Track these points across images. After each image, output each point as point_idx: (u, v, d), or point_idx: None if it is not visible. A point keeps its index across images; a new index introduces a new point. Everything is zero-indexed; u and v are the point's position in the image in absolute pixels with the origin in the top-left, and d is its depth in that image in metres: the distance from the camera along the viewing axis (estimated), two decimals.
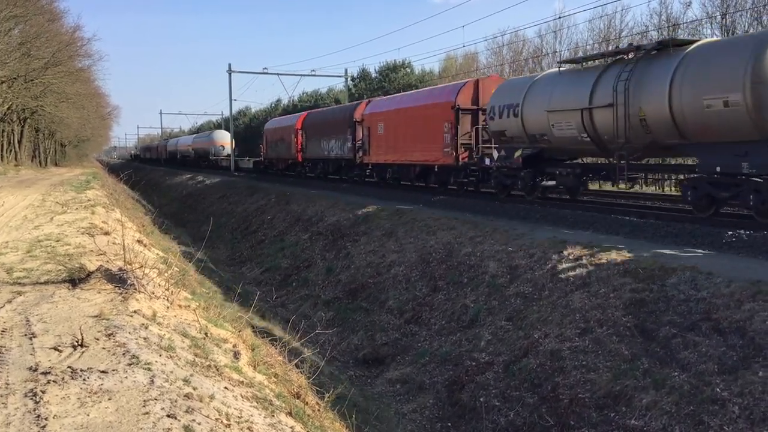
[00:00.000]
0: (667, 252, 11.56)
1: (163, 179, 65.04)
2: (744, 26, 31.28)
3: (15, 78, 40.69)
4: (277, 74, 55.16)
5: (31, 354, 5.41)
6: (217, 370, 6.06)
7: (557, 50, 43.78)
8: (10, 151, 53.24)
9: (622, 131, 14.95)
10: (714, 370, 7.97)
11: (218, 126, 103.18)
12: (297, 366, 8.81)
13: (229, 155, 61.71)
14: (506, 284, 12.57)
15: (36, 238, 12.03)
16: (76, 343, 5.58)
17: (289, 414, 5.99)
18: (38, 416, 4.16)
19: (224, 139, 66.33)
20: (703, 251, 11.72)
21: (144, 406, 4.41)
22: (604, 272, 10.91)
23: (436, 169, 24.05)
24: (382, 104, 29.59)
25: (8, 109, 46.12)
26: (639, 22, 60.88)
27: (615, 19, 42.61)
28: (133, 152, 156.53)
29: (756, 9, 30.81)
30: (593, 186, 22.49)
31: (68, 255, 10.25)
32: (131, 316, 6.80)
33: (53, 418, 4.15)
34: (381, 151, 28.04)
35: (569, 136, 16.96)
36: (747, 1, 31.32)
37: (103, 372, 4.99)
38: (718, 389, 7.67)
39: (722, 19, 31.89)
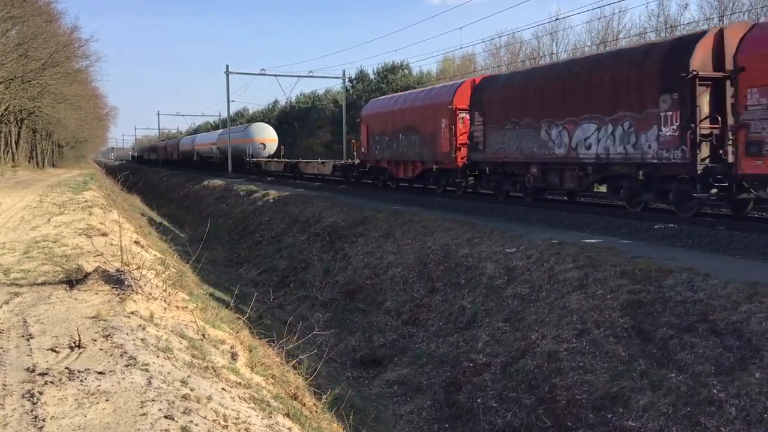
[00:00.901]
0: (664, 253, 11.58)
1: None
2: None
3: (12, 79, 40.65)
4: (275, 75, 54.99)
5: (29, 355, 5.41)
6: (215, 371, 6.06)
7: (554, 52, 43.86)
8: (7, 152, 53.18)
9: None
10: (711, 372, 7.98)
11: (215, 127, 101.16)
12: (294, 367, 8.82)
13: (272, 156, 49.41)
14: (503, 285, 12.59)
15: (33, 239, 12.02)
16: (73, 344, 5.58)
17: (287, 415, 5.99)
18: (36, 417, 4.15)
19: (266, 135, 51.29)
20: (700, 252, 11.75)
21: (141, 407, 4.41)
22: (601, 273, 10.93)
23: None
24: None
25: (5, 110, 46.05)
26: (637, 24, 61.07)
27: (613, 21, 42.69)
28: (132, 153, 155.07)
29: (753, 11, 30.90)
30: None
31: (65, 256, 10.25)
32: (128, 317, 6.79)
33: (51, 419, 4.14)
34: None
35: None
36: (744, 3, 31.42)
37: (100, 373, 4.99)
38: (714, 390, 7.68)
39: (719, 21, 31.97)
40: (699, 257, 11.20)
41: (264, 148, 49.90)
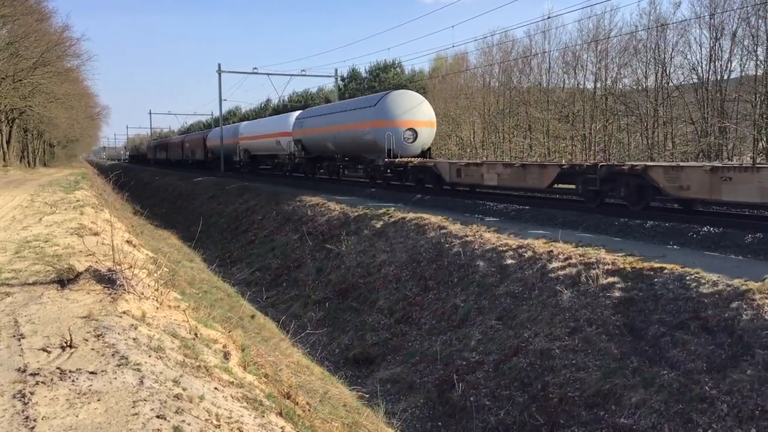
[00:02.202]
0: (656, 251, 11.61)
1: None
2: (732, 26, 31.48)
3: (3, 78, 40.47)
4: (267, 74, 54.91)
5: (20, 355, 5.39)
6: (207, 370, 6.04)
7: (546, 50, 43.91)
8: None
9: None
10: (702, 369, 8.01)
11: (208, 126, 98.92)
12: (287, 366, 8.81)
13: (426, 152, 27.15)
14: (496, 284, 12.60)
15: (24, 238, 11.96)
16: (64, 344, 5.56)
17: (280, 414, 5.98)
18: (27, 417, 4.14)
19: (419, 114, 27.25)
20: (692, 250, 11.78)
21: (133, 407, 4.40)
22: (594, 271, 10.95)
23: None
24: None
25: None
26: (628, 22, 61.24)
27: (604, 20, 42.74)
28: (124, 152, 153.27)
29: (744, 9, 31.00)
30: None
31: (57, 256, 10.20)
32: (120, 316, 6.77)
33: (42, 419, 4.13)
34: None
35: None
36: (735, 1, 31.52)
37: (92, 373, 4.97)
38: (706, 387, 7.72)
39: (710, 18, 32.07)
40: (690, 255, 11.24)
41: (414, 139, 26.67)
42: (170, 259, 13.57)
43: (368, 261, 17.17)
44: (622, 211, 15.68)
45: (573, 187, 17.63)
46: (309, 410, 7.23)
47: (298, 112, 39.38)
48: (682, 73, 35.01)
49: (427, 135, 27.30)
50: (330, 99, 62.35)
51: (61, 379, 4.81)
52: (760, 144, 30.24)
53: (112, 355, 5.44)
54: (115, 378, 4.91)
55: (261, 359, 8.05)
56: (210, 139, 55.60)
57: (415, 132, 26.75)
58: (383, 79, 64.55)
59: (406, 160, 25.73)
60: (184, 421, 4.34)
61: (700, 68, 33.51)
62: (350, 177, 34.19)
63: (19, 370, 5.01)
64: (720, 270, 9.78)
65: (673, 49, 35.11)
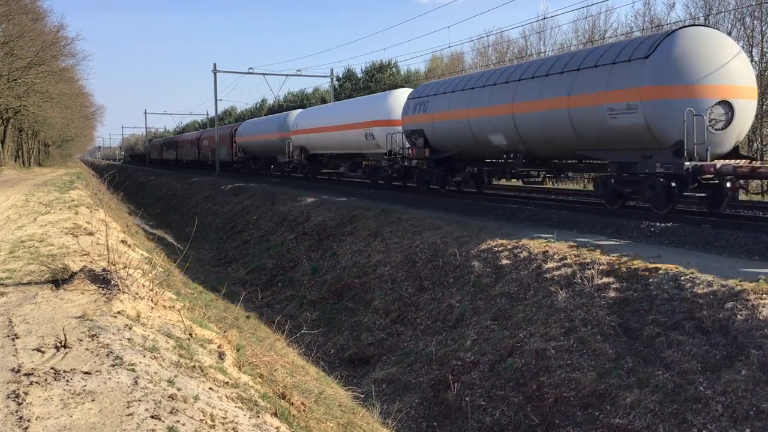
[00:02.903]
0: (651, 251, 11.62)
1: None
2: (727, 27, 31.57)
3: None
4: (263, 74, 54.97)
5: (14, 355, 5.37)
6: (202, 370, 6.03)
7: (541, 51, 43.98)
8: None
9: None
10: (697, 369, 8.03)
11: (203, 126, 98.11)
12: (283, 366, 8.80)
13: (737, 150, 14.44)
14: (491, 284, 12.60)
15: (19, 238, 11.93)
16: (59, 344, 5.54)
17: (275, 414, 5.97)
18: (21, 418, 4.12)
19: (729, 73, 13.67)
20: (686, 250, 11.80)
21: (128, 407, 4.39)
22: (589, 272, 10.96)
23: None
24: None
25: None
26: (623, 23, 61.40)
27: (599, 20, 42.84)
28: (120, 152, 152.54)
29: (739, 10, 31.11)
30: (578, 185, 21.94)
31: (51, 255, 10.18)
32: (115, 316, 6.75)
33: (36, 419, 4.12)
34: None
35: None
36: (730, 2, 31.62)
37: (86, 373, 4.96)
38: (701, 388, 7.73)
39: (705, 20, 32.16)
40: (685, 255, 11.25)
41: (728, 121, 13.78)
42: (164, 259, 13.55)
43: (364, 261, 17.13)
44: None
45: None
46: (304, 410, 7.22)
47: (407, 90, 26.93)
48: None
49: (748, 115, 14.49)
50: (326, 99, 62.25)
51: (55, 380, 4.79)
52: (755, 144, 30.32)
53: (107, 355, 5.43)
54: (110, 378, 4.90)
55: (256, 359, 8.04)
56: (240, 134, 44.17)
57: (730, 108, 13.91)
58: (378, 79, 64.52)
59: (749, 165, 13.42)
60: (178, 421, 4.33)
61: None
62: (497, 192, 24.14)
63: (13, 370, 5.00)
64: (715, 270, 9.80)
65: None
